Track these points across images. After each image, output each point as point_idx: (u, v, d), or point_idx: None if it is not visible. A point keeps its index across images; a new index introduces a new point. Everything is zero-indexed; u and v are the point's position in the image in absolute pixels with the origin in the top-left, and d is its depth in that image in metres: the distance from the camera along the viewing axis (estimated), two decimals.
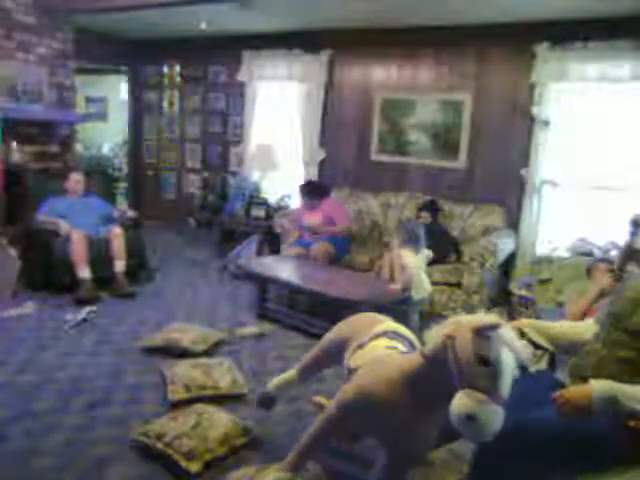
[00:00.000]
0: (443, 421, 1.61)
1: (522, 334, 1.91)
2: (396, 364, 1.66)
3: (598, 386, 1.52)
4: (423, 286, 3.62)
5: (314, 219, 4.55)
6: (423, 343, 1.96)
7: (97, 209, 4.51)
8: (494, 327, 1.39)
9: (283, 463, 1.86)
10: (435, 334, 1.53)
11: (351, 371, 1.84)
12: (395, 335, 1.93)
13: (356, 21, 4.99)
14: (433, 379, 1.52)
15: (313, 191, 4.68)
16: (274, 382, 2.35)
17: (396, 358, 1.76)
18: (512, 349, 1.39)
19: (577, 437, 1.54)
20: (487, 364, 1.36)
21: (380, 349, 1.84)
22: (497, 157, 4.82)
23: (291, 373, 2.30)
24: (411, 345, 1.92)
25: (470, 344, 1.38)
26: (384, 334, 1.92)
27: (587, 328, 1.89)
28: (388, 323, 2.02)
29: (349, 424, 1.78)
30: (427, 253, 3.75)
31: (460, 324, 1.45)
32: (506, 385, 1.37)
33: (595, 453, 1.53)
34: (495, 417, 1.33)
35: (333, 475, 2.05)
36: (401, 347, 1.87)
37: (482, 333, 1.39)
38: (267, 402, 2.37)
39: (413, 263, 3.53)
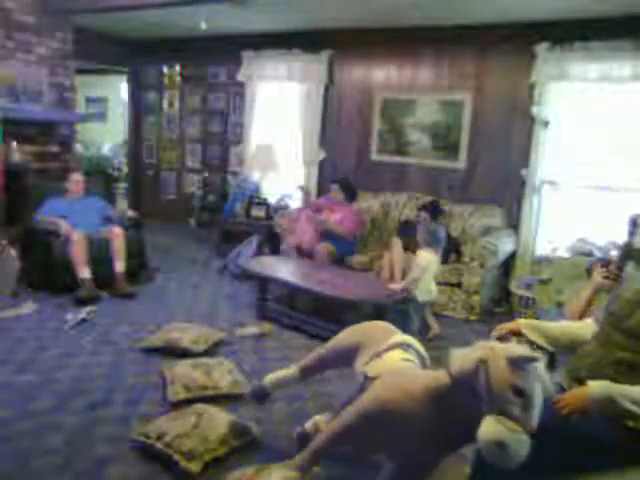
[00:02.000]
0: (459, 443, 1.62)
1: (520, 335, 1.91)
2: (421, 380, 1.67)
3: (595, 387, 1.52)
4: (429, 288, 3.56)
5: (331, 218, 4.55)
6: (432, 358, 1.99)
7: (97, 209, 4.50)
8: (532, 360, 1.41)
9: (292, 462, 1.85)
10: (465, 356, 1.52)
11: (368, 379, 1.84)
12: (409, 348, 1.95)
13: (356, 21, 4.99)
14: (458, 400, 1.52)
15: (350, 191, 4.78)
16: (271, 377, 2.32)
17: (420, 373, 1.77)
18: (543, 383, 1.41)
19: (577, 438, 1.54)
20: (521, 395, 1.37)
21: (397, 361, 1.86)
22: (497, 157, 4.82)
23: (292, 371, 2.27)
24: (421, 358, 1.94)
25: (506, 373, 1.39)
26: (399, 345, 1.93)
27: (586, 328, 1.89)
28: (402, 335, 2.04)
29: (365, 434, 1.78)
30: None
31: (494, 350, 1.46)
32: (536, 417, 1.38)
33: (595, 454, 1.53)
34: (524, 447, 1.35)
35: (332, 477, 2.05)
36: (415, 360, 1.89)
37: (518, 364, 1.40)
38: (261, 396, 2.34)
39: (426, 264, 3.44)
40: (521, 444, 1.34)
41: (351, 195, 4.81)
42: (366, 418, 1.70)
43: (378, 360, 1.89)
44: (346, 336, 2.15)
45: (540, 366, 1.43)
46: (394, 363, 1.84)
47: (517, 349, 1.46)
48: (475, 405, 1.43)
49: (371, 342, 1.99)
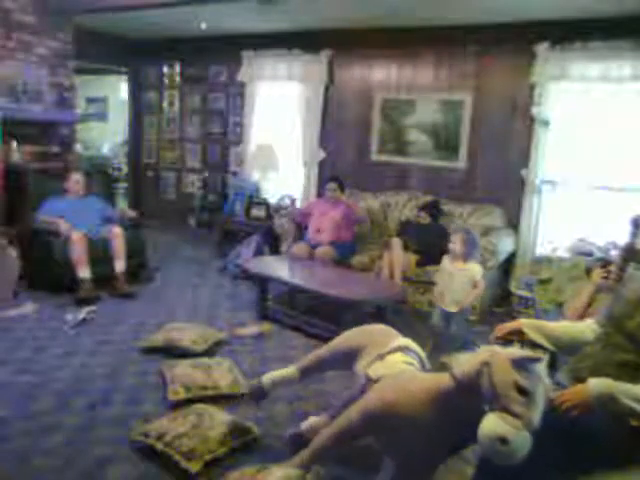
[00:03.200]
0: (461, 445, 1.66)
1: (521, 334, 1.91)
2: (424, 382, 1.68)
3: (596, 384, 1.52)
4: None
5: (335, 215, 4.56)
6: (431, 361, 2.03)
7: (97, 209, 4.50)
8: (535, 361, 1.44)
9: (295, 460, 1.86)
10: (468, 360, 1.56)
11: (371, 381, 1.86)
12: (409, 351, 1.97)
13: (356, 21, 4.98)
14: (462, 402, 1.54)
15: (343, 187, 4.78)
16: (270, 376, 2.32)
17: (424, 376, 1.79)
18: (544, 385, 1.43)
19: (580, 438, 1.53)
20: (524, 394, 1.39)
21: (399, 363, 1.88)
22: (497, 157, 4.81)
23: (291, 371, 2.28)
24: (421, 362, 1.96)
25: (510, 372, 1.42)
26: (400, 349, 1.96)
27: (587, 328, 1.88)
28: (403, 339, 2.06)
29: (368, 434, 1.79)
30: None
31: (497, 353, 1.49)
32: (538, 416, 1.40)
33: (600, 453, 1.53)
34: (525, 444, 1.36)
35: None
36: (415, 364, 1.92)
37: (522, 365, 1.43)
38: (259, 395, 2.35)
39: (480, 275, 3.28)
40: (523, 440, 1.35)
41: (343, 189, 4.83)
42: (369, 419, 1.72)
43: (380, 362, 1.91)
44: (347, 338, 2.16)
45: (542, 368, 1.45)
46: (396, 365, 1.87)
47: (519, 351, 1.50)
48: (478, 407, 1.45)
49: (372, 345, 2.01)
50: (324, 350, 2.22)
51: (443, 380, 1.61)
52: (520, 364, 1.42)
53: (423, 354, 2.02)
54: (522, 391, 1.39)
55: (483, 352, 1.54)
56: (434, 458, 1.70)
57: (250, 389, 2.39)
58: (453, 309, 3.24)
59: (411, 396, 1.64)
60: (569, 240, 4.29)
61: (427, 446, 1.63)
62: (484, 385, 1.45)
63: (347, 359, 2.07)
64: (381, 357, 1.93)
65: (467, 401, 1.52)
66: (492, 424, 1.38)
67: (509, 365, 1.42)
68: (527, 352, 1.51)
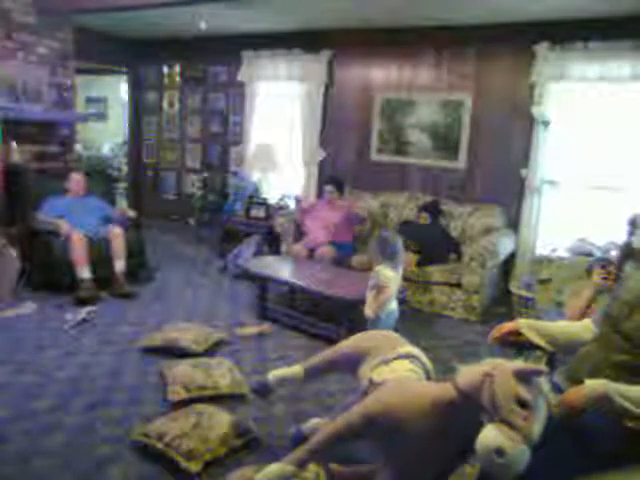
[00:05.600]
0: (459, 457, 1.65)
1: (520, 334, 1.91)
2: (426, 390, 1.69)
3: (592, 385, 1.52)
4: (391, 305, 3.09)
5: (332, 217, 4.55)
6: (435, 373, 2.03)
7: (97, 209, 4.50)
8: (537, 373, 1.43)
9: (289, 456, 1.85)
10: (471, 370, 1.55)
11: (374, 384, 1.88)
12: (416, 360, 1.98)
13: (356, 21, 4.99)
14: (462, 413, 1.54)
15: (342, 187, 4.72)
16: (276, 373, 2.33)
17: (427, 384, 1.82)
18: (545, 400, 1.42)
19: (578, 438, 1.54)
20: (525, 406, 1.38)
21: (405, 371, 1.90)
22: (497, 157, 4.82)
23: (297, 370, 2.29)
24: (427, 371, 1.98)
25: (512, 384, 1.41)
26: (407, 357, 1.97)
27: (585, 328, 1.88)
28: (411, 347, 2.07)
29: (366, 436, 1.79)
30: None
31: (500, 365, 1.48)
32: (538, 430, 1.38)
33: (596, 453, 1.53)
34: (523, 458, 1.34)
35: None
36: (420, 373, 1.93)
37: (524, 377, 1.42)
38: (264, 391, 2.35)
39: (393, 282, 3.00)
40: (520, 454, 1.34)
41: (342, 190, 4.77)
42: (368, 420, 1.72)
43: (385, 367, 1.93)
44: (355, 342, 2.18)
45: (544, 383, 1.45)
46: (401, 372, 1.88)
47: (522, 364, 1.48)
48: (478, 419, 1.44)
49: (379, 350, 2.03)
50: (331, 352, 2.24)
51: (445, 389, 1.61)
52: (523, 376, 1.41)
53: (429, 364, 2.02)
54: (523, 404, 1.38)
55: (487, 364, 1.54)
56: (430, 468, 1.69)
57: (256, 385, 2.39)
58: (367, 313, 2.97)
59: (412, 402, 1.64)
60: (569, 240, 4.29)
61: (424, 455, 1.63)
62: (485, 396, 1.44)
63: (353, 362, 2.09)
64: (386, 362, 1.94)
65: (468, 412, 1.51)
66: (490, 435, 1.36)
67: (512, 377, 1.42)
68: (530, 365, 1.49)
